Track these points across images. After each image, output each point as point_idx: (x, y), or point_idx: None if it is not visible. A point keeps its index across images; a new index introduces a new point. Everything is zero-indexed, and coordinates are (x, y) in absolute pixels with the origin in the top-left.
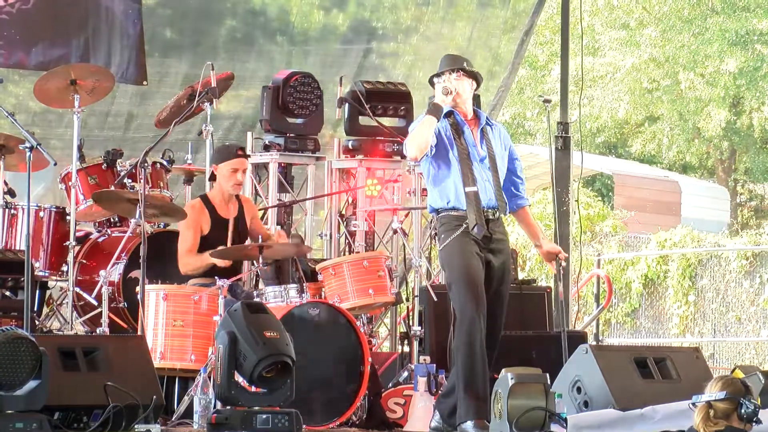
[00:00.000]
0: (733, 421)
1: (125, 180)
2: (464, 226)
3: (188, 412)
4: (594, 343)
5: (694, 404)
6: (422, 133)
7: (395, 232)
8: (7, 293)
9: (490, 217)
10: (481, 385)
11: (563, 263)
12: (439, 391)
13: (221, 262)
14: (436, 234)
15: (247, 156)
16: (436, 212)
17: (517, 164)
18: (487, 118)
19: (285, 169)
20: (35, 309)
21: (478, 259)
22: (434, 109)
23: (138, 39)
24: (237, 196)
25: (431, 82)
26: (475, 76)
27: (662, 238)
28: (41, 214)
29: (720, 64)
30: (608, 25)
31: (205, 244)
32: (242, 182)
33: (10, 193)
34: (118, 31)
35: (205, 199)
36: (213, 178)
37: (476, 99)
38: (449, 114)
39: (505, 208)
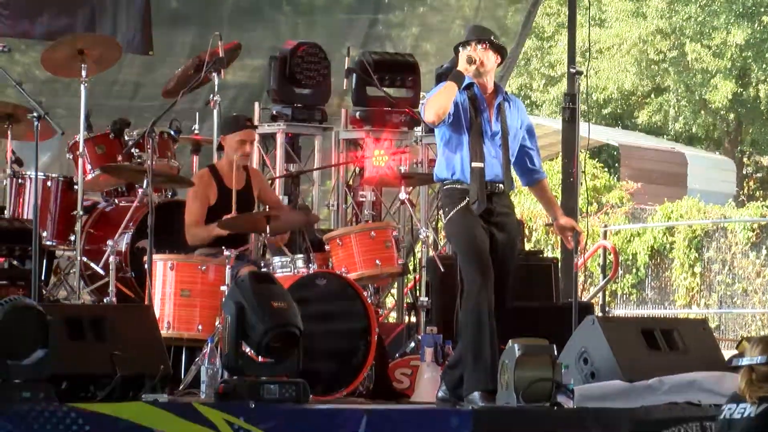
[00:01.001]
0: None
1: (133, 150)
2: (467, 200)
3: (195, 382)
4: (601, 314)
5: (735, 367)
6: (442, 98)
7: (402, 202)
8: (15, 262)
9: (494, 191)
10: (487, 355)
11: (580, 238)
12: (446, 362)
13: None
14: (440, 205)
15: (255, 127)
16: (441, 182)
17: (534, 139)
18: (506, 93)
19: (292, 140)
20: (42, 278)
21: (483, 230)
22: (456, 76)
23: (144, 9)
24: (245, 167)
25: (456, 50)
26: (500, 50)
27: (668, 210)
28: (49, 183)
29: (727, 35)
30: None
31: (212, 214)
32: (250, 153)
33: (18, 162)
34: (124, 1)
35: (212, 169)
36: (221, 148)
37: None
38: (468, 86)
39: (511, 184)
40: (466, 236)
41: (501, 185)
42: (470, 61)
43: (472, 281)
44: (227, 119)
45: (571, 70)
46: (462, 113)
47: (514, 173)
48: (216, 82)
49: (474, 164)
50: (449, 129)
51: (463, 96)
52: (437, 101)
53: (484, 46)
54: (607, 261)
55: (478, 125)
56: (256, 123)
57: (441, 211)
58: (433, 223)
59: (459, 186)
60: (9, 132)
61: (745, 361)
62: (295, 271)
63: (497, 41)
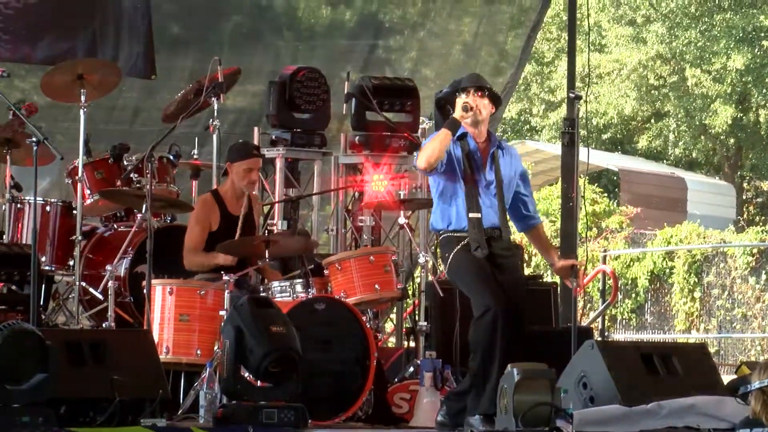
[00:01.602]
0: None
1: (132, 175)
2: (465, 242)
3: (194, 407)
4: (600, 339)
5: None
6: (435, 145)
7: (401, 227)
8: (14, 287)
9: (492, 236)
10: (495, 378)
11: (580, 268)
12: (447, 387)
13: (226, 262)
14: (439, 254)
15: (262, 156)
16: (437, 232)
17: (528, 186)
18: (499, 141)
19: (292, 164)
20: (41, 303)
21: (487, 266)
22: (451, 124)
23: (147, 33)
24: (246, 193)
25: (439, 102)
26: (496, 99)
27: (668, 235)
28: (48, 208)
29: (727, 60)
30: (615, 22)
31: (215, 240)
32: (256, 181)
33: (17, 187)
34: (126, 25)
35: (216, 194)
36: (225, 174)
37: None
38: (462, 136)
39: (509, 231)
40: (470, 268)
41: (498, 231)
42: (466, 108)
43: (484, 303)
44: (235, 146)
45: (570, 95)
46: (456, 163)
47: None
48: (215, 107)
49: (471, 215)
50: (442, 178)
51: (457, 146)
52: (430, 148)
53: (480, 94)
54: (607, 286)
55: (472, 176)
56: None
57: (441, 260)
58: (432, 248)
59: (456, 234)
60: (8, 157)
61: (755, 385)
62: (294, 295)
63: (493, 90)
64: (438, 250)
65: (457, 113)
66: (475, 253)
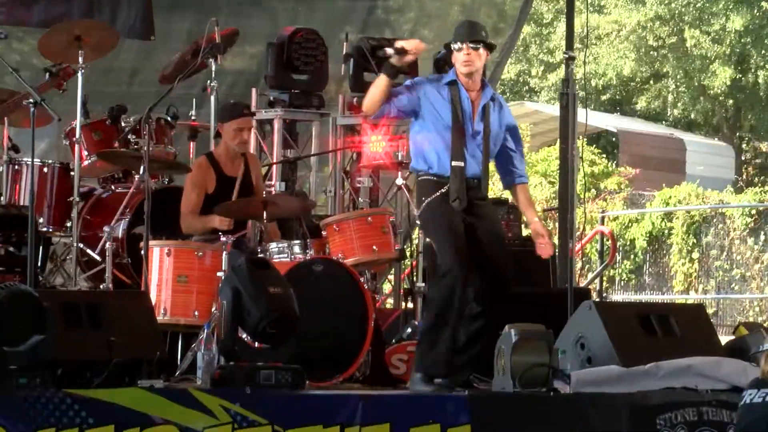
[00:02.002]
0: None
1: (129, 136)
2: (443, 191)
3: (192, 368)
4: (597, 299)
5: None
6: (372, 91)
7: (399, 188)
8: (11, 249)
9: (471, 186)
10: (445, 340)
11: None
12: None
13: (222, 225)
14: (416, 195)
15: (252, 114)
16: (417, 173)
17: (518, 142)
18: (493, 93)
19: (289, 126)
20: (39, 265)
21: (460, 220)
22: (387, 68)
23: None
24: (243, 154)
25: (447, 48)
26: (489, 47)
27: (666, 196)
28: (45, 169)
29: (726, 21)
30: None
31: (211, 202)
32: (248, 140)
33: (14, 148)
34: None
35: (210, 156)
36: (218, 135)
37: None
38: (453, 83)
39: (487, 185)
40: (441, 221)
41: (477, 181)
42: (398, 51)
43: (446, 261)
44: (225, 106)
45: (564, 55)
46: (443, 110)
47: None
48: (213, 68)
49: (455, 163)
50: (427, 124)
51: (446, 91)
52: (369, 93)
53: (468, 49)
54: (605, 247)
55: (460, 123)
56: (253, 109)
57: (416, 201)
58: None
59: (436, 179)
60: (5, 118)
61: (766, 347)
62: (292, 257)
63: (487, 39)
64: (414, 190)
65: (394, 59)
66: (454, 204)
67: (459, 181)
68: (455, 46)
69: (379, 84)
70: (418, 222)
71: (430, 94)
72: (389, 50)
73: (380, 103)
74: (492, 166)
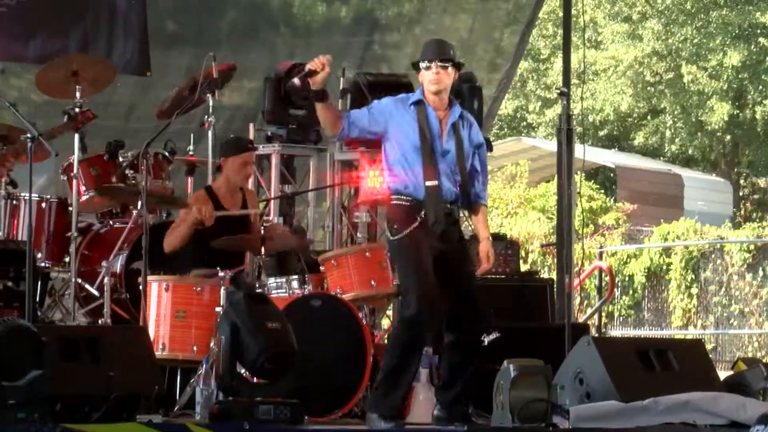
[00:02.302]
0: None
1: (127, 171)
2: (419, 219)
3: (190, 403)
4: (596, 335)
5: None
6: (321, 119)
7: None
8: (9, 284)
9: (447, 210)
10: (404, 386)
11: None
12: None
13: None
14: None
15: (255, 149)
16: (391, 194)
17: (481, 161)
18: (462, 112)
19: (287, 161)
20: (37, 299)
21: (430, 254)
22: (315, 94)
23: (142, 29)
24: (241, 188)
25: (415, 67)
26: (457, 66)
27: (665, 231)
28: (43, 205)
29: (723, 57)
30: (611, 18)
31: (209, 236)
32: (251, 174)
33: (12, 184)
34: (120, 22)
35: (209, 190)
36: (219, 170)
37: (478, 91)
38: (419, 102)
39: (459, 207)
40: (412, 257)
41: (450, 205)
42: (310, 73)
43: (415, 309)
44: (229, 141)
45: (557, 91)
46: (408, 130)
47: None
48: (210, 104)
49: (428, 183)
50: (397, 145)
51: (413, 112)
52: (321, 122)
53: (436, 68)
54: (603, 282)
55: (429, 143)
56: None
57: (387, 223)
58: None
59: (410, 203)
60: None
61: None
62: (290, 292)
63: (456, 58)
64: (387, 211)
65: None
66: (432, 228)
67: (435, 202)
68: (423, 64)
69: (320, 110)
70: (388, 247)
71: (396, 114)
72: (296, 80)
73: (334, 125)
74: None
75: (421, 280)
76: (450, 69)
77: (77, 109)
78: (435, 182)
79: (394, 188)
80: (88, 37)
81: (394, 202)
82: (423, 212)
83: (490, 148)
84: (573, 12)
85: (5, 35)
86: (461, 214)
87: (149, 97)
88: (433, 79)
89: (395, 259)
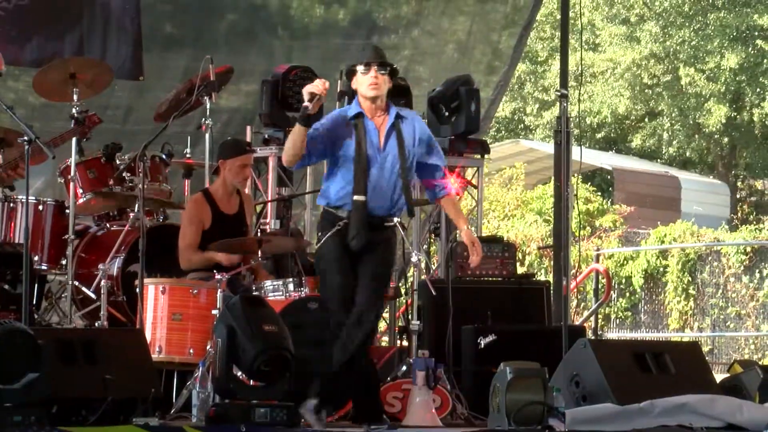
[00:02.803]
0: None
1: (124, 174)
2: (338, 226)
3: (187, 406)
4: (592, 337)
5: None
6: (289, 143)
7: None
8: (6, 286)
9: (376, 223)
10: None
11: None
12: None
13: (225, 259)
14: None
15: (253, 151)
16: (324, 204)
17: (435, 153)
18: (398, 111)
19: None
20: (34, 302)
21: (348, 262)
22: (302, 118)
23: (135, 34)
24: (237, 191)
25: (349, 72)
26: (393, 73)
27: (662, 233)
28: (40, 207)
29: (720, 59)
30: (608, 21)
31: (207, 239)
32: (249, 177)
33: (9, 186)
34: (114, 27)
35: (206, 193)
36: (217, 172)
37: (475, 93)
38: (358, 116)
39: (402, 210)
40: (333, 267)
41: (386, 219)
42: (311, 98)
43: (338, 322)
44: (227, 143)
45: (556, 93)
46: (346, 144)
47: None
48: (208, 106)
49: (356, 197)
50: (335, 159)
51: (351, 126)
52: (287, 146)
53: (375, 73)
54: (600, 284)
55: (364, 155)
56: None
57: (317, 232)
58: (425, 247)
59: (337, 212)
60: (0, 156)
61: None
62: (287, 294)
63: (385, 60)
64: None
65: (306, 101)
66: (351, 243)
67: (359, 216)
68: (360, 68)
69: (298, 134)
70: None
71: (338, 130)
72: (309, 104)
73: (300, 154)
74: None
75: (341, 291)
76: (387, 76)
77: (82, 113)
78: (362, 197)
79: (321, 201)
80: (83, 41)
81: (325, 210)
82: (345, 225)
83: (487, 150)
84: (571, 14)
85: (2, 39)
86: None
87: (146, 99)
88: (372, 84)
89: (317, 265)
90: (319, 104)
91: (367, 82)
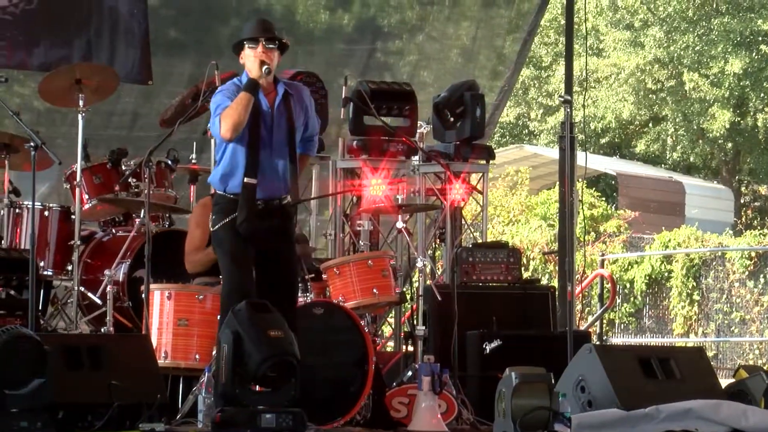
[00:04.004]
0: None
1: (130, 179)
2: (233, 215)
3: (192, 411)
4: (598, 342)
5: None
6: (239, 112)
7: (399, 231)
8: (12, 292)
9: (269, 206)
10: None
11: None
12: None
13: None
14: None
15: None
16: (217, 188)
17: (311, 117)
18: (285, 84)
19: None
20: (40, 308)
21: (246, 248)
22: (252, 87)
23: (143, 38)
24: None
25: (237, 48)
26: (282, 48)
27: (666, 239)
28: (46, 213)
29: (724, 64)
30: (612, 26)
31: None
32: None
33: (15, 192)
34: (122, 31)
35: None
36: None
37: (480, 98)
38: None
39: (294, 195)
40: (230, 251)
41: (277, 201)
42: (268, 71)
43: (231, 305)
44: None
45: (560, 99)
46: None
47: None
48: None
49: (247, 180)
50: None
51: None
52: (234, 116)
53: (271, 44)
54: (605, 290)
55: (256, 136)
56: None
57: (211, 216)
58: (430, 252)
59: (230, 197)
60: (6, 162)
61: None
62: None
63: (282, 39)
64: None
65: (255, 73)
66: (240, 228)
67: (248, 200)
68: (249, 44)
69: (248, 104)
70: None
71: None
72: (263, 73)
73: (245, 123)
74: None
75: (238, 277)
76: (276, 51)
77: None
78: (253, 180)
79: (218, 186)
80: (92, 45)
81: (218, 194)
82: (236, 209)
83: (492, 156)
84: (575, 19)
85: (9, 43)
86: None
87: (153, 105)
88: (262, 57)
89: (216, 250)
90: (270, 76)
91: (254, 57)
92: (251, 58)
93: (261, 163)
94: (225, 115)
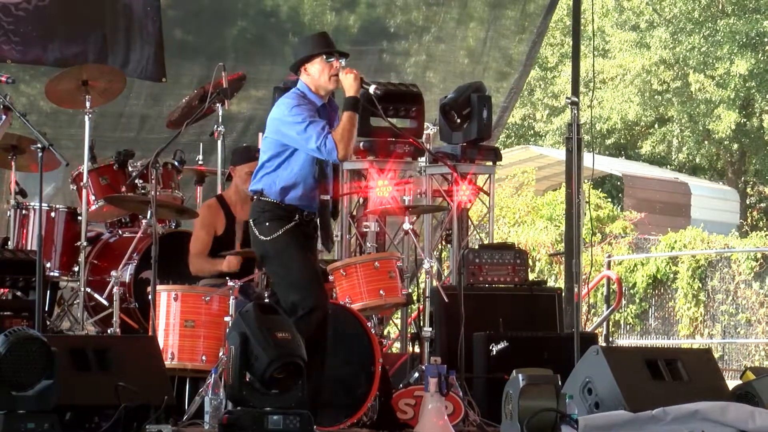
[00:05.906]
0: None
1: (137, 181)
2: (293, 222)
3: (199, 413)
4: (604, 344)
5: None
6: (353, 133)
7: (406, 233)
8: (19, 293)
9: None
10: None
11: None
12: (453, 393)
13: (229, 268)
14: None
15: None
16: (272, 197)
17: None
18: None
19: None
20: (46, 309)
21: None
22: (354, 105)
23: (157, 36)
24: (252, 198)
25: (298, 67)
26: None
27: (672, 240)
28: (53, 214)
29: (730, 66)
30: (618, 27)
31: (219, 244)
32: None
33: (22, 193)
34: (137, 28)
35: (221, 199)
36: (229, 178)
37: (487, 100)
38: (323, 107)
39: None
40: (299, 257)
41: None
42: (363, 83)
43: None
44: (237, 150)
45: (567, 100)
46: None
47: None
48: (220, 113)
49: (323, 197)
50: (293, 156)
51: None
52: (352, 137)
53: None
54: (611, 291)
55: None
56: None
57: (256, 221)
58: (437, 253)
59: (285, 206)
60: (13, 163)
61: None
62: None
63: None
64: (260, 212)
65: (352, 91)
66: (325, 246)
67: (324, 216)
68: (329, 58)
69: (356, 123)
70: (265, 246)
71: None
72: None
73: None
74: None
75: (312, 277)
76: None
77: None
78: (328, 196)
79: (276, 197)
80: (107, 42)
81: (277, 204)
82: (291, 218)
83: (499, 157)
84: (581, 21)
85: (24, 39)
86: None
87: (161, 107)
88: (336, 75)
89: (273, 256)
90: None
91: (330, 72)
92: (348, 79)
93: (327, 180)
94: (340, 138)
